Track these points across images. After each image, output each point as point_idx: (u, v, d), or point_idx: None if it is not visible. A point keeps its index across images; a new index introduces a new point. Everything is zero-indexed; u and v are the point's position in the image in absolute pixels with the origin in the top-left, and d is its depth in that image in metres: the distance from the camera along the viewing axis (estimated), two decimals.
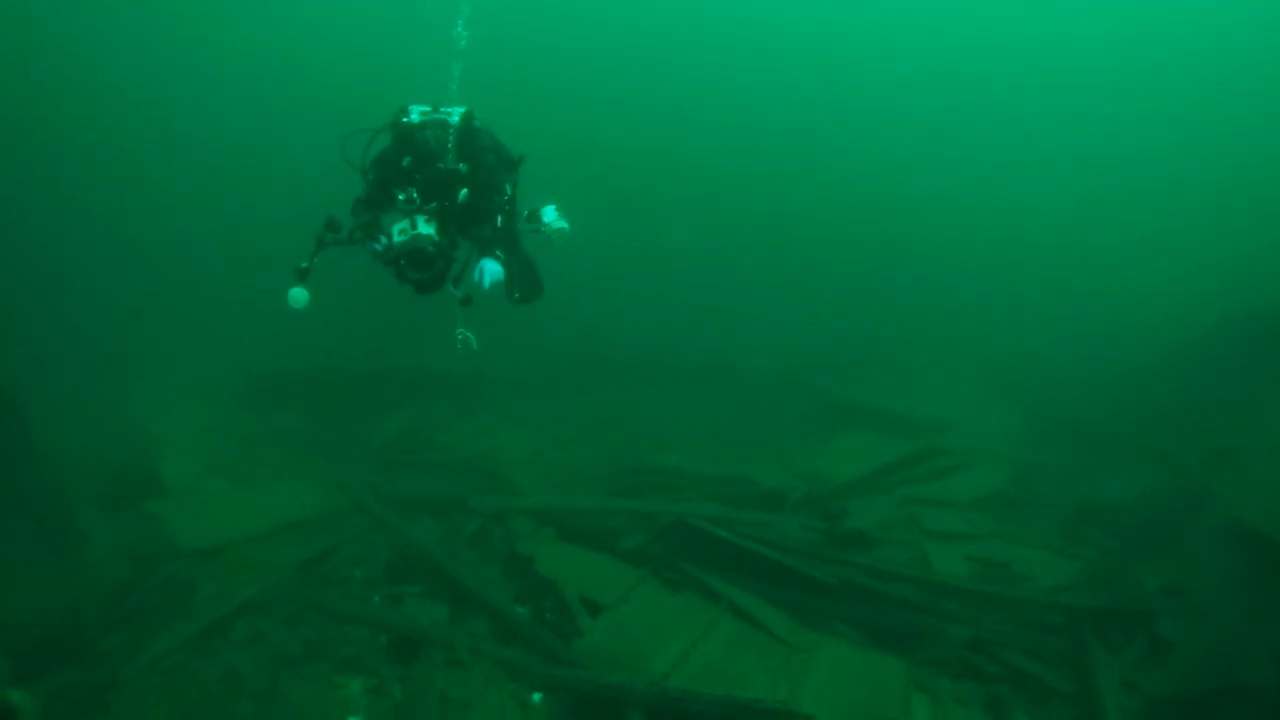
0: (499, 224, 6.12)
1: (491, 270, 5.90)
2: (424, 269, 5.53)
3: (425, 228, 5.56)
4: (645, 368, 19.41)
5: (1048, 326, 21.68)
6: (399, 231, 5.57)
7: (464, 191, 5.89)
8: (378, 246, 5.77)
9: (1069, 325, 21.61)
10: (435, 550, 10.60)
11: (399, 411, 16.02)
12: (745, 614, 9.51)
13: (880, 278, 27.19)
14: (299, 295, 5.38)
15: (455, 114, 6.36)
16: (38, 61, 31.56)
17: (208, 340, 16.99)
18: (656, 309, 23.37)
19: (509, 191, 6.40)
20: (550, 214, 6.63)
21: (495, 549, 11.01)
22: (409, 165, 5.99)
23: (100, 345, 17.01)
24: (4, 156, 25.76)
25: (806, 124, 41.45)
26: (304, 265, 5.53)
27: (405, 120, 6.09)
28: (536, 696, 8.50)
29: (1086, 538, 11.97)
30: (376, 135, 6.07)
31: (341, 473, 13.67)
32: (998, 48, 42.22)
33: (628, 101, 41.37)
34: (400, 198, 5.72)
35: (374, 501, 12.22)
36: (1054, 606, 9.96)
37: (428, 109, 6.29)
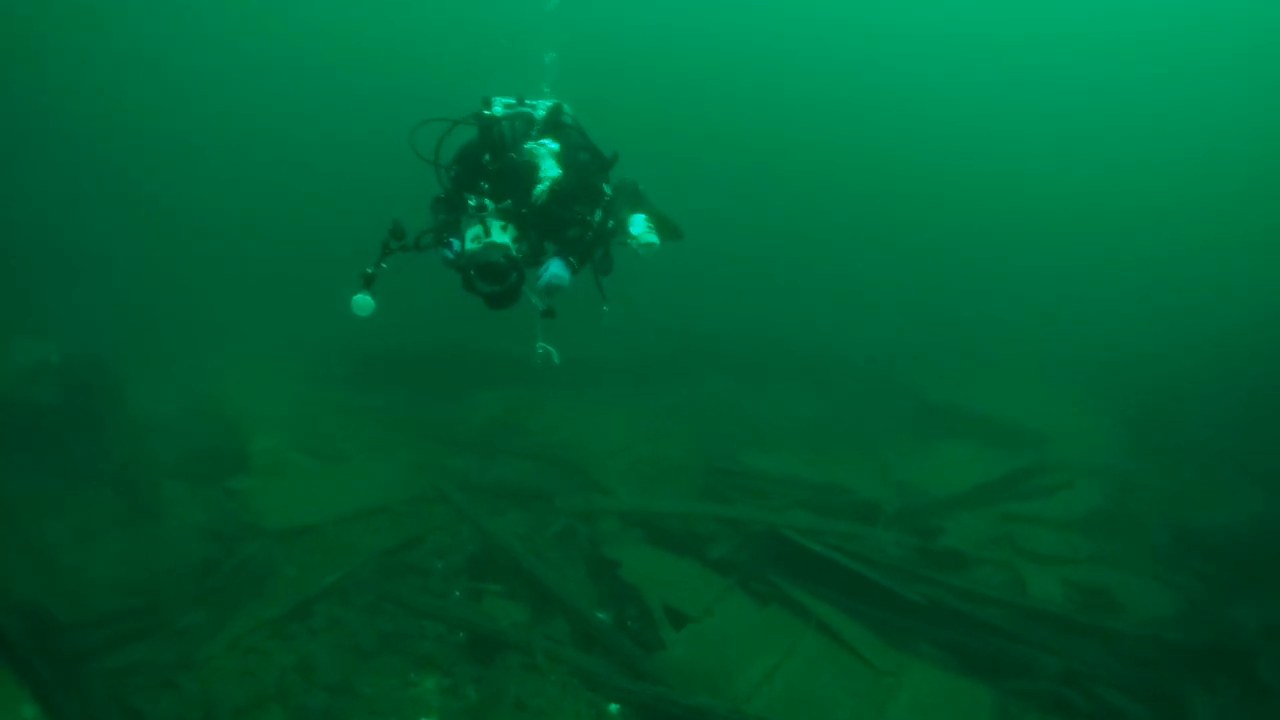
0: (592, 226, 5.67)
1: (554, 274, 5.37)
2: (495, 281, 4.99)
3: (500, 235, 5.09)
4: (741, 360, 19.05)
5: (1153, 331, 20.73)
6: (471, 238, 5.10)
7: (540, 189, 5.35)
8: (449, 254, 5.30)
9: (1176, 331, 20.66)
10: (518, 548, 10.27)
11: (492, 394, 15.81)
12: (832, 632, 9.10)
13: (981, 272, 26.53)
14: (363, 302, 4.96)
15: (541, 106, 5.98)
16: (128, 68, 32.47)
17: (301, 316, 16.93)
18: (754, 299, 23.00)
19: (607, 193, 5.92)
20: (639, 225, 5.94)
21: (580, 549, 10.67)
22: (488, 162, 5.58)
23: (193, 319, 17.16)
24: (105, 145, 26.41)
25: (905, 111, 40.81)
26: (369, 270, 5.07)
27: (486, 112, 5.71)
28: (614, 708, 8.15)
29: (1187, 565, 11.25)
30: (454, 127, 5.67)
31: (433, 455, 13.50)
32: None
33: (714, 82, 41.10)
34: (471, 202, 5.24)
35: (459, 494, 11.90)
36: (1151, 640, 9.34)
37: (511, 101, 5.93)
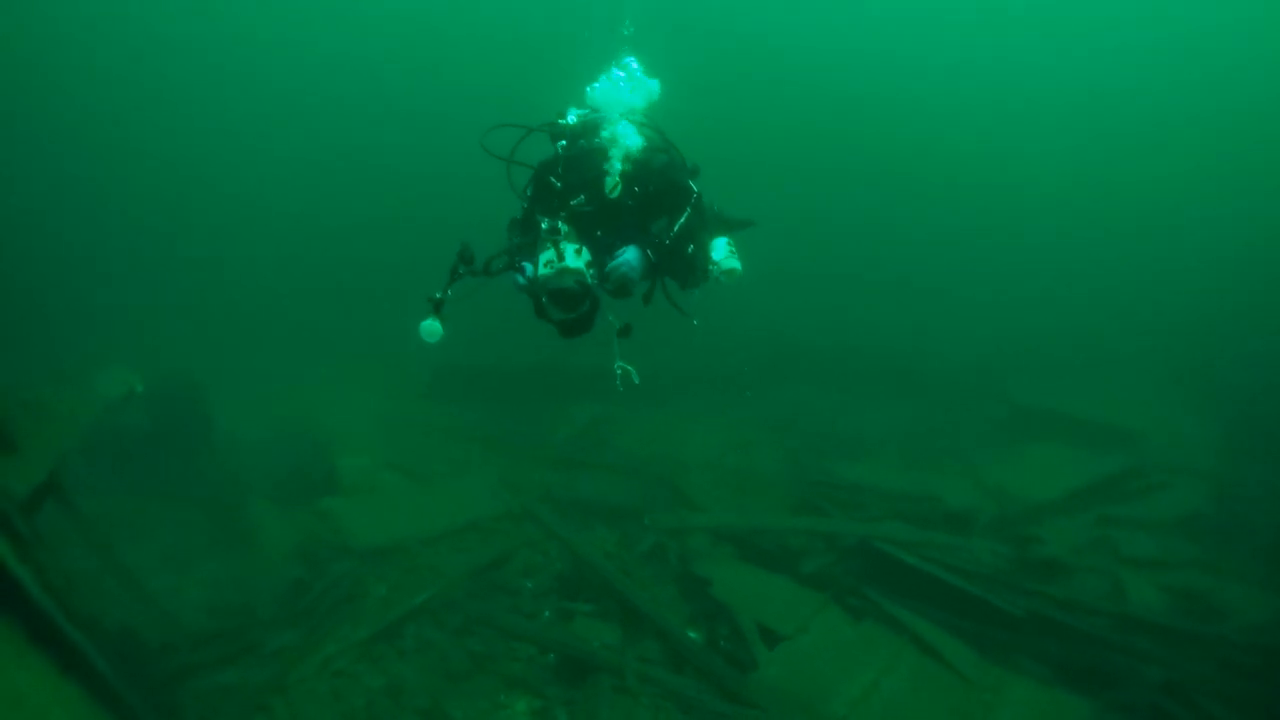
0: (672, 230, 5.18)
1: (626, 261, 4.94)
2: (568, 308, 4.67)
3: (575, 260, 4.68)
4: (829, 367, 18.73)
5: (1250, 328, 19.89)
6: (544, 263, 4.70)
7: (612, 180, 5.01)
8: (520, 279, 4.93)
9: (1274, 328, 19.83)
10: (607, 567, 10.07)
11: (577, 408, 15.69)
12: (928, 647, 8.81)
13: (1071, 272, 25.90)
14: (431, 329, 4.76)
15: (618, 119, 5.53)
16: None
17: (385, 334, 17.02)
18: (840, 304, 22.69)
19: (694, 189, 5.44)
20: (721, 250, 5.58)
21: (670, 567, 10.44)
22: (561, 151, 5.32)
23: (279, 341, 17.33)
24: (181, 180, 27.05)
25: (992, 112, 40.24)
26: (437, 296, 4.85)
27: (561, 121, 5.43)
28: None
29: None
30: (529, 134, 5.35)
31: (519, 471, 13.41)
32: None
33: (802, 82, 40.85)
34: (544, 225, 4.80)
35: (547, 512, 11.76)
36: (1254, 648, 8.86)
37: (586, 111, 5.57)
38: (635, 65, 5.82)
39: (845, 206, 32.58)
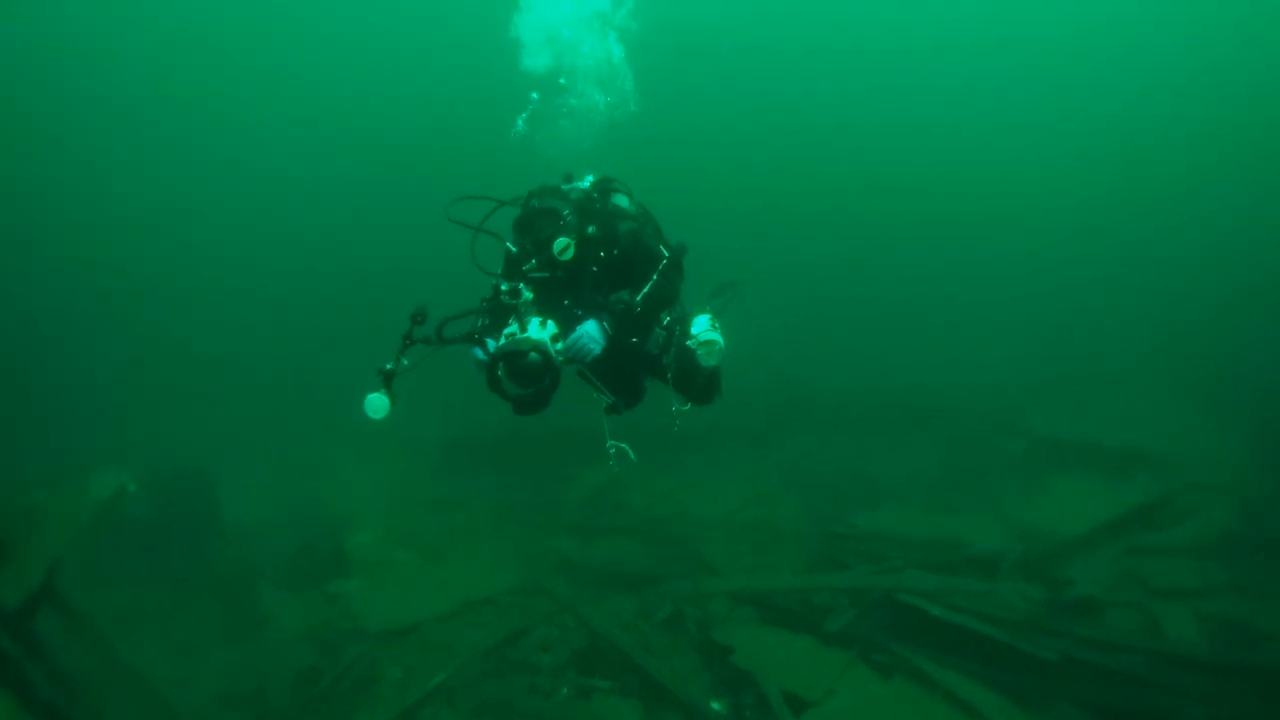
0: (636, 301, 4.85)
1: (584, 333, 4.56)
2: (524, 382, 4.30)
3: (538, 331, 4.31)
4: (842, 413, 18.45)
5: (1259, 332, 19.51)
6: (505, 335, 4.35)
7: (562, 241, 4.62)
8: (480, 353, 4.57)
9: None
10: (625, 641, 9.79)
11: (589, 471, 15.45)
12: (961, 701, 8.46)
13: (1077, 296, 25.66)
14: (377, 403, 4.20)
15: (584, 182, 5.37)
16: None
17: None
18: (849, 348, 22.46)
19: (664, 255, 5.10)
20: (702, 323, 5.14)
21: (690, 635, 10.10)
22: (517, 248, 4.89)
23: (280, 418, 17.21)
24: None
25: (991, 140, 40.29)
26: (388, 367, 4.34)
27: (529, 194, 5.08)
28: None
29: None
30: (500, 207, 4.94)
31: (533, 540, 13.19)
32: None
33: (794, 124, 41.06)
34: (503, 287, 4.47)
35: (562, 586, 11.49)
36: None
37: (555, 184, 5.24)
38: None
39: (843, 246, 32.50)
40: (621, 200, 5.32)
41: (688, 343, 5.01)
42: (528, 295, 4.44)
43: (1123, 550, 11.56)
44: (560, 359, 4.37)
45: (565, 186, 5.20)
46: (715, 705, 8.79)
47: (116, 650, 8.63)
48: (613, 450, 4.94)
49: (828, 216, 35.36)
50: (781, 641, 9.61)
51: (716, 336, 5.02)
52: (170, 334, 23.62)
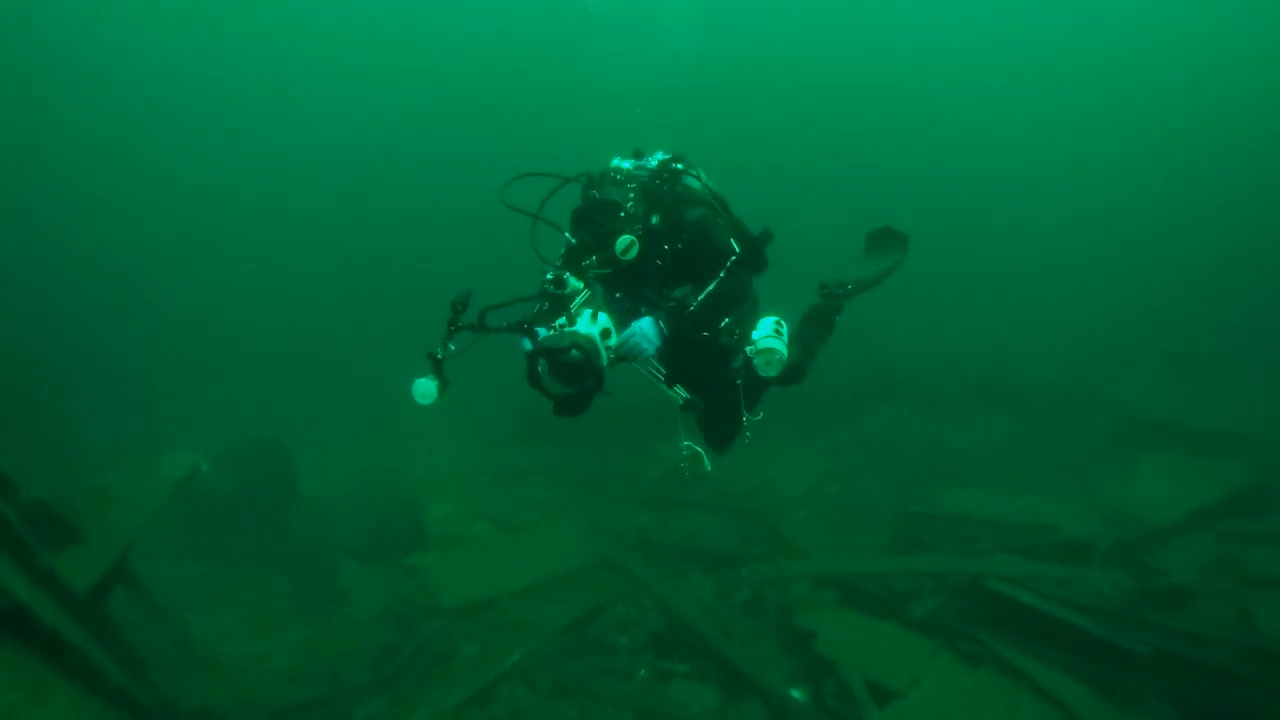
0: (698, 298, 4.46)
1: (638, 331, 4.20)
2: (566, 380, 3.98)
3: (588, 326, 3.99)
4: (927, 385, 17.97)
5: None
6: (554, 327, 4.07)
7: (624, 239, 4.27)
8: (528, 343, 4.17)
9: None
10: (704, 624, 9.53)
11: (669, 443, 15.17)
12: (1049, 695, 8.10)
13: (1171, 269, 24.65)
14: (425, 389, 3.93)
15: (653, 160, 4.90)
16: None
17: (467, 378, 16.83)
18: (935, 318, 21.91)
19: (735, 251, 4.66)
20: (765, 327, 4.69)
21: (771, 619, 9.82)
22: (576, 241, 4.51)
23: (356, 390, 17.20)
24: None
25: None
26: (438, 354, 4.03)
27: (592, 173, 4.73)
28: None
29: None
30: (563, 185, 4.64)
31: (611, 515, 13.00)
32: None
33: (885, 91, 40.36)
34: (549, 275, 4.20)
35: (639, 565, 11.21)
36: None
37: (624, 160, 4.83)
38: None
39: (932, 220, 31.87)
40: (692, 183, 4.88)
41: (746, 348, 4.65)
42: (576, 285, 4.17)
43: (1217, 535, 10.93)
44: (610, 356, 4.08)
45: (630, 167, 4.74)
46: (796, 693, 8.52)
47: (191, 632, 8.66)
48: (686, 453, 4.69)
49: (929, 184, 34.71)
50: (864, 627, 9.30)
51: (778, 344, 4.61)
52: (234, 314, 23.83)
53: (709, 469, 4.65)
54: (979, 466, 14.36)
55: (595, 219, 4.43)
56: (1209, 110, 36.19)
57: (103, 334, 20.40)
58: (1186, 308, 21.05)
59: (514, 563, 11.51)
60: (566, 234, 4.43)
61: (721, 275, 4.49)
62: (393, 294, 25.62)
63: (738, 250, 4.63)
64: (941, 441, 15.66)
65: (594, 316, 4.04)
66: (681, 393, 4.70)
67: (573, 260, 4.37)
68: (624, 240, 4.23)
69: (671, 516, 13.00)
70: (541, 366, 3.95)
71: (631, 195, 4.50)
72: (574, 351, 3.85)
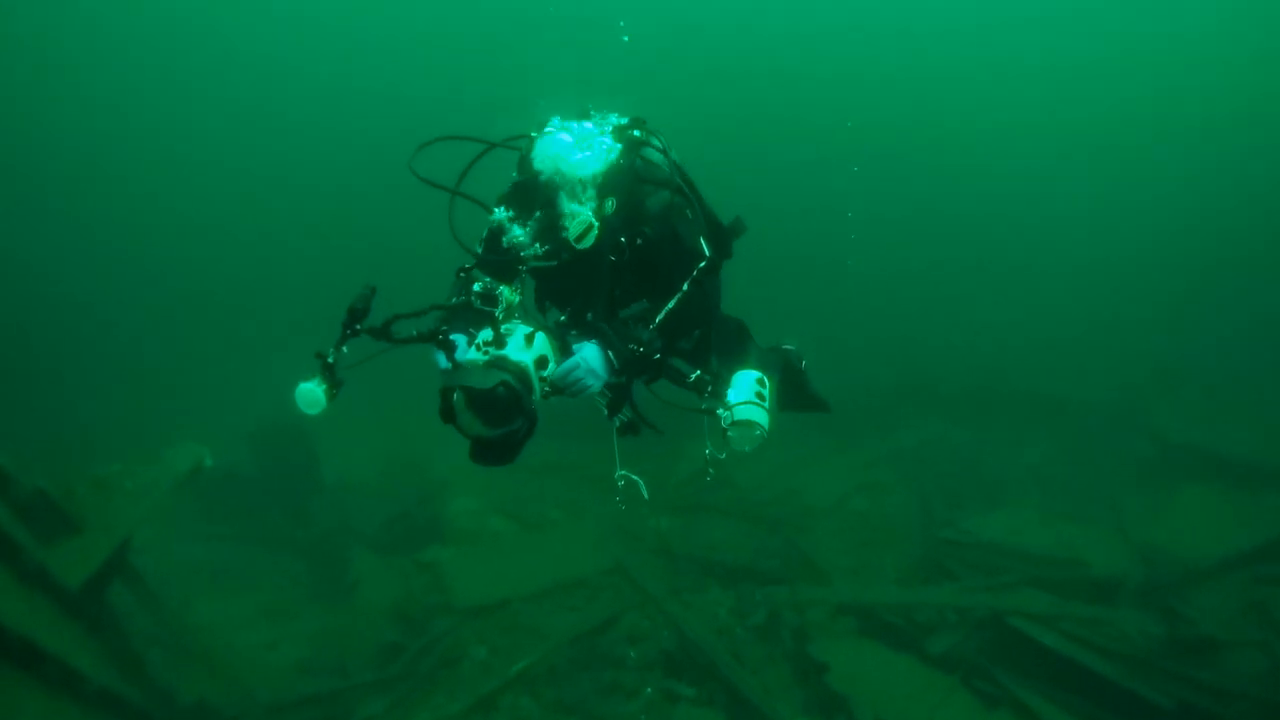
0: (654, 319, 3.51)
1: (584, 360, 3.28)
2: (489, 420, 3.02)
3: (520, 352, 3.14)
4: (961, 400, 17.63)
5: None
6: (478, 345, 3.16)
7: (580, 221, 3.45)
8: (443, 359, 3.30)
9: None
10: (715, 647, 9.25)
11: (695, 444, 14.93)
12: None
13: (1224, 292, 23.94)
14: (310, 395, 3.00)
15: (605, 125, 3.88)
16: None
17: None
18: (973, 333, 21.50)
19: (705, 254, 3.69)
20: (744, 389, 3.79)
21: (785, 645, 9.55)
22: (514, 182, 3.71)
23: (381, 375, 17.08)
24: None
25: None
26: (328, 357, 3.07)
27: (535, 134, 3.69)
28: None
29: None
30: (487, 152, 3.77)
31: (634, 516, 12.77)
32: None
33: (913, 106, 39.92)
34: (475, 288, 3.33)
35: (657, 574, 10.97)
36: None
37: (564, 121, 3.78)
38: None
39: (973, 236, 31.39)
40: (654, 157, 3.94)
41: (720, 413, 3.76)
42: (511, 298, 3.32)
43: (1252, 579, 10.50)
44: (544, 389, 3.24)
45: (579, 127, 3.75)
46: None
47: (192, 623, 8.61)
48: (621, 483, 3.87)
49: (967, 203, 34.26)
50: (881, 660, 9.05)
51: (757, 415, 3.71)
52: (248, 296, 23.86)
53: (648, 497, 3.85)
54: (1012, 486, 14.05)
55: (539, 195, 3.58)
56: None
57: (111, 320, 20.44)
58: (1237, 326, 20.51)
59: (530, 562, 11.36)
60: (499, 213, 3.53)
61: (685, 287, 3.58)
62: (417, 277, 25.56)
63: (708, 253, 3.70)
64: (976, 459, 15.31)
65: (529, 339, 3.21)
66: (625, 413, 3.77)
67: (501, 249, 3.54)
68: (581, 221, 3.45)
69: (694, 521, 12.78)
70: (459, 399, 3.02)
71: (581, 170, 3.57)
72: (500, 389, 2.99)
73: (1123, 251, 28.17)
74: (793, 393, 4.67)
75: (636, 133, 3.93)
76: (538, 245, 3.49)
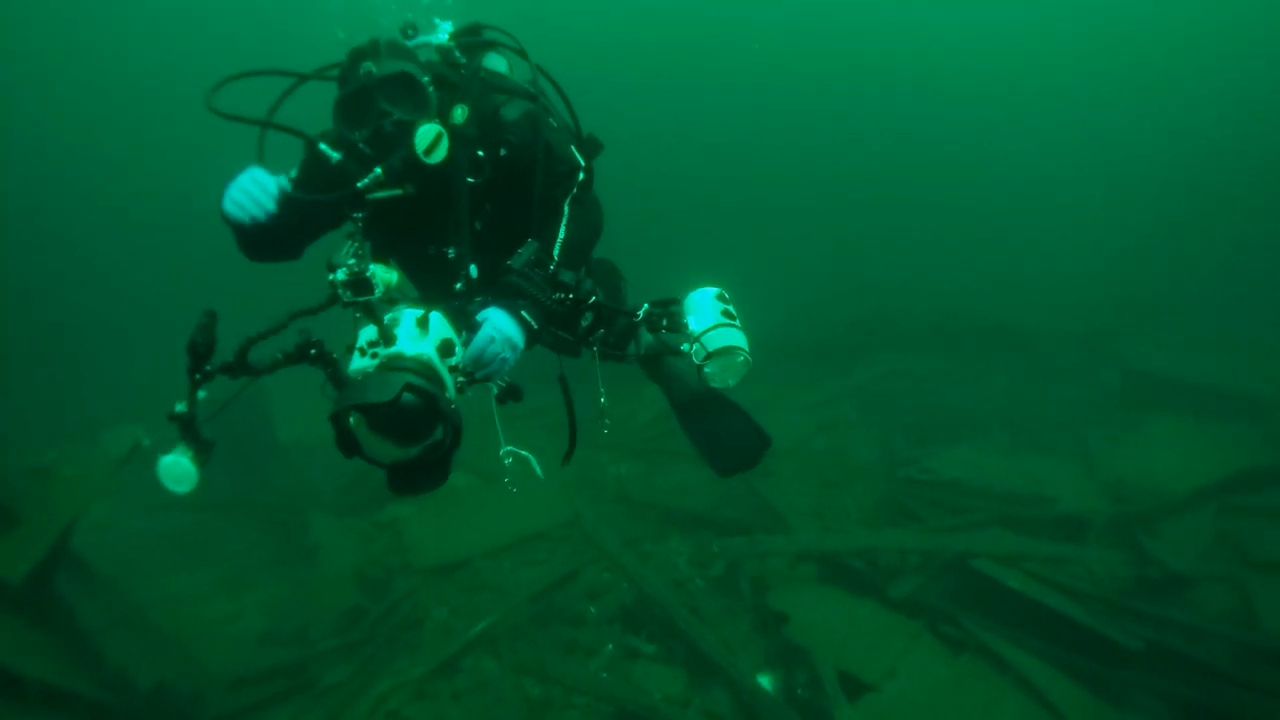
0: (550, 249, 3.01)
1: (495, 329, 2.75)
2: (403, 438, 2.51)
3: (415, 343, 2.53)
4: (924, 331, 17.60)
5: None
6: (364, 344, 2.54)
7: (426, 128, 2.85)
8: (326, 378, 2.57)
9: None
10: (672, 603, 9.15)
11: (655, 388, 14.85)
12: (1034, 689, 7.77)
13: (1185, 220, 23.91)
14: (175, 470, 2.50)
15: (440, 34, 3.45)
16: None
17: None
18: (935, 261, 21.44)
19: (579, 163, 3.25)
20: (706, 313, 3.33)
21: (745, 596, 9.50)
22: (340, 95, 3.00)
23: (327, 331, 16.91)
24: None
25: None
26: (181, 409, 2.55)
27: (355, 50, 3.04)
28: None
29: None
30: (301, 84, 3.17)
31: (596, 463, 12.77)
32: None
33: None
34: (339, 275, 2.61)
35: (612, 540, 10.65)
36: None
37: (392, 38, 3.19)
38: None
39: (932, 160, 31.19)
40: (499, 64, 3.52)
41: (687, 348, 3.31)
42: (386, 276, 2.62)
43: (1219, 510, 10.45)
44: (459, 381, 2.69)
45: (409, 43, 3.28)
46: (764, 680, 8.26)
47: (149, 603, 8.54)
48: (508, 460, 3.24)
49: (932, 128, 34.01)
50: (842, 607, 8.97)
51: (734, 337, 3.26)
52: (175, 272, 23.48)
53: (543, 476, 3.30)
54: (977, 421, 13.99)
55: (374, 106, 2.90)
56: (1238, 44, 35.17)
57: (36, 306, 20.07)
58: (1206, 252, 20.52)
59: (490, 517, 11.28)
60: (321, 144, 2.93)
61: (567, 209, 3.10)
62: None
63: (583, 162, 3.24)
64: (941, 391, 15.33)
65: (421, 324, 2.56)
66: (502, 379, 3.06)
67: (324, 184, 2.92)
68: (428, 131, 2.84)
69: (655, 466, 12.80)
70: (357, 423, 2.45)
71: (426, 74, 3.00)
72: (405, 395, 2.35)
73: (1094, 186, 28.09)
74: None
75: (486, 35, 3.55)
76: (380, 170, 2.85)
